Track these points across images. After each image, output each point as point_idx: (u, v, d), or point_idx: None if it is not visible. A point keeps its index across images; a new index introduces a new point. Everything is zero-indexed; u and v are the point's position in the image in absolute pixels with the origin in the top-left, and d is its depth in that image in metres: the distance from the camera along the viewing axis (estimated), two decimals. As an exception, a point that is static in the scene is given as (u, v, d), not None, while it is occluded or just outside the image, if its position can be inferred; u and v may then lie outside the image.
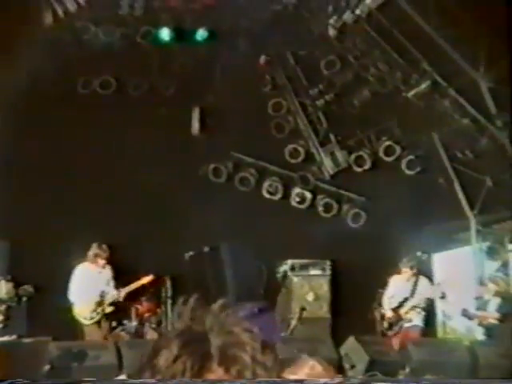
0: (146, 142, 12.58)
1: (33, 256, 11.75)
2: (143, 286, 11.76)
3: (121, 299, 11.55)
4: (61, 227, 12.02)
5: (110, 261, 11.63)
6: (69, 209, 12.31)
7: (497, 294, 11.79)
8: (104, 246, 11.57)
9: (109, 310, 11.53)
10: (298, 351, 10.29)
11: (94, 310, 11.40)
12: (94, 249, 11.55)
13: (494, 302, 11.92)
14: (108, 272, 11.62)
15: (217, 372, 1.56)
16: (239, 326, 1.64)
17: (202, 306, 1.67)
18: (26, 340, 10.04)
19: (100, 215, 12.29)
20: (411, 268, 11.86)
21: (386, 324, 11.73)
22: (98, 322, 11.47)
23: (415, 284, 11.82)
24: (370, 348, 10.50)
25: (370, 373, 10.24)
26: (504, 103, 12.36)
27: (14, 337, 10.21)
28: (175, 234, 12.42)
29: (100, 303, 11.44)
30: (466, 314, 11.77)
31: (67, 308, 11.35)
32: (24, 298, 11.72)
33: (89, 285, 11.41)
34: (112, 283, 11.60)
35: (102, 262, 11.54)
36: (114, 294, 11.51)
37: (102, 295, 11.47)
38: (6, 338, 10.15)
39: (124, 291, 11.54)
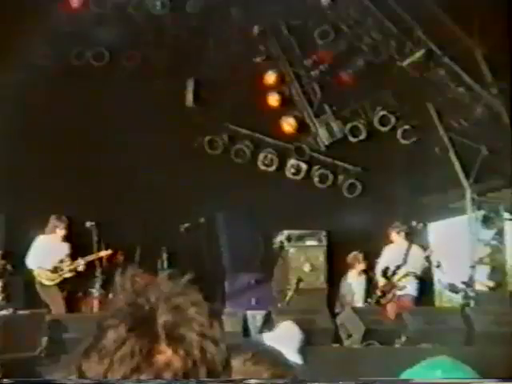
0: (140, 115, 12.53)
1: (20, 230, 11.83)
2: (100, 259, 11.83)
3: (80, 268, 11.67)
4: (49, 202, 12.02)
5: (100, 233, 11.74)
6: (58, 183, 12.28)
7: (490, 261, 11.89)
8: (63, 218, 11.70)
9: (68, 274, 11.63)
10: (295, 321, 10.39)
11: (54, 273, 11.54)
12: (52, 220, 11.68)
13: (486, 271, 12.01)
14: (66, 245, 11.76)
15: (166, 352, 1.50)
16: (185, 299, 1.56)
17: (146, 277, 1.59)
18: (22, 312, 10.08)
19: (95, 188, 12.28)
20: (398, 232, 11.88)
21: (378, 292, 11.79)
22: (60, 286, 11.61)
23: (407, 251, 11.85)
24: (365, 317, 10.54)
25: (366, 342, 10.31)
26: (499, 70, 12.33)
27: (10, 310, 10.25)
28: (171, 206, 12.42)
29: (58, 268, 11.57)
30: (452, 288, 11.84)
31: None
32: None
33: (46, 253, 11.56)
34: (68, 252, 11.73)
35: (60, 232, 11.69)
36: (73, 262, 11.66)
37: (61, 262, 11.62)
38: (4, 312, 10.19)
39: (83, 260, 11.64)
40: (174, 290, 1.57)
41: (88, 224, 11.93)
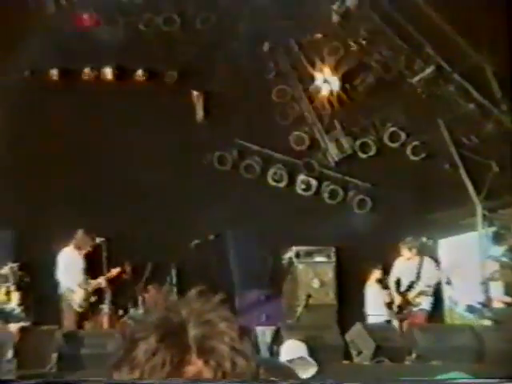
0: (151, 130, 12.57)
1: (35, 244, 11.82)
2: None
3: (102, 286, 11.67)
4: (63, 216, 12.04)
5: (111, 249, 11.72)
6: (71, 198, 12.31)
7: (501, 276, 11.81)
8: (91, 234, 11.67)
9: (93, 299, 11.67)
10: (305, 338, 10.36)
11: (86, 300, 11.54)
12: (80, 235, 11.65)
13: (498, 288, 11.94)
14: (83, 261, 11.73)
15: (196, 364, 1.54)
16: (216, 315, 1.61)
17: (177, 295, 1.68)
18: (33, 327, 10.09)
19: (104, 204, 12.31)
20: (409, 248, 11.84)
21: (395, 308, 11.75)
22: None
23: (420, 267, 11.82)
24: (376, 334, 10.50)
25: (377, 359, 10.26)
26: (509, 87, 12.32)
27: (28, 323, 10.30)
28: (181, 222, 12.42)
29: (88, 291, 11.58)
30: (471, 309, 11.78)
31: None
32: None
33: (74, 269, 11.56)
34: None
35: (86, 250, 11.69)
36: (98, 280, 11.63)
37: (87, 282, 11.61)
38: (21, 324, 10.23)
39: (103, 279, 11.64)
40: (205, 306, 1.62)
41: (98, 240, 11.95)
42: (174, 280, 12.26)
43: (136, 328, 1.61)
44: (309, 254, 12.98)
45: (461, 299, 12.53)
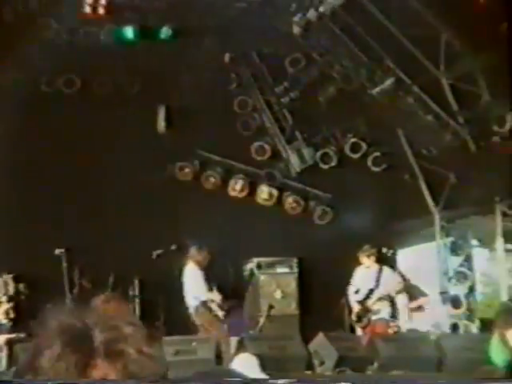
0: (112, 142, 12.50)
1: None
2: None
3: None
4: (24, 229, 11.91)
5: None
6: (32, 211, 12.18)
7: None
8: (204, 248, 11.74)
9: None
10: (268, 348, 10.39)
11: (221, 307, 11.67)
12: (193, 251, 11.74)
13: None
14: None
15: (102, 367, 1.57)
16: (122, 320, 1.65)
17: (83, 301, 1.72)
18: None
19: (66, 215, 12.20)
20: (368, 256, 11.95)
21: (354, 317, 11.84)
22: None
23: (379, 275, 11.93)
24: (338, 344, 10.57)
25: (339, 369, 10.33)
26: (464, 100, 12.55)
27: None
28: (143, 233, 12.37)
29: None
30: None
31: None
32: (22, 297, 11.68)
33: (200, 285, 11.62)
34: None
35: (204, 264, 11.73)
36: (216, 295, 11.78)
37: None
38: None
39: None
40: (111, 312, 1.71)
41: (57, 251, 11.84)
42: (137, 291, 12.21)
43: (41, 336, 1.62)
44: (271, 265, 13.03)
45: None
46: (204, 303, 11.58)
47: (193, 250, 11.77)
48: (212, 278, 12.67)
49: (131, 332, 1.62)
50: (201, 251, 11.74)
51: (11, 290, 11.66)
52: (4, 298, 11.36)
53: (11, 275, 11.82)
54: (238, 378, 2.27)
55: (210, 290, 11.65)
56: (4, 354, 9.59)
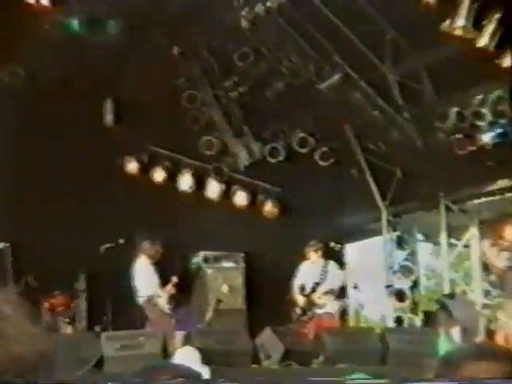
0: (59, 135, 12.37)
1: None
2: None
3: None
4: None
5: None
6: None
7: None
8: (157, 242, 11.72)
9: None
10: (215, 343, 10.42)
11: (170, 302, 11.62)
12: (146, 245, 11.67)
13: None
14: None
15: None
16: (2, 301, 1.63)
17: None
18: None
19: (12, 209, 12.04)
20: (315, 251, 12.04)
21: (298, 310, 11.91)
22: None
23: (325, 269, 12.02)
24: (285, 338, 10.65)
25: (285, 362, 10.41)
26: (410, 96, 12.72)
27: None
28: (91, 227, 12.28)
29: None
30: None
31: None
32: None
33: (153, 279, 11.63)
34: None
35: (156, 258, 11.73)
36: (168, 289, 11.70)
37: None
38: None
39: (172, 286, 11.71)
40: None
41: (2, 245, 11.71)
42: (83, 285, 12.12)
43: None
44: (217, 260, 13.06)
45: (366, 302, 12.87)
46: (152, 298, 11.56)
47: (145, 244, 11.74)
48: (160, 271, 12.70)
49: (10, 311, 1.60)
50: (154, 245, 11.72)
51: None
52: None
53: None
54: (185, 371, 2.27)
55: (164, 284, 11.64)
56: None
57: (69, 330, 11.76)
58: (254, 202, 13.67)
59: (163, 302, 11.59)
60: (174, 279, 11.79)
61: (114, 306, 12.15)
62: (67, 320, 11.89)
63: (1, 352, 1.55)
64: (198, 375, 2.25)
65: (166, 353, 10.22)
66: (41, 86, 12.68)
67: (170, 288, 11.66)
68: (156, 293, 11.57)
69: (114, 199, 12.61)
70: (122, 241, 12.34)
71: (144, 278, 11.61)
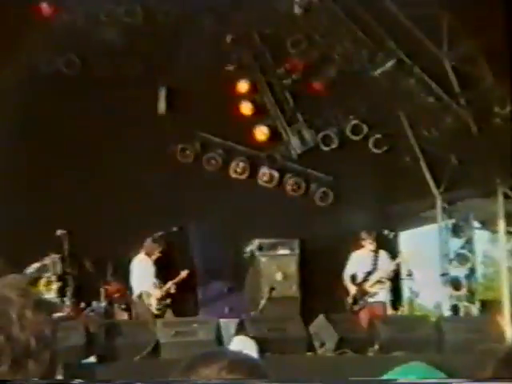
0: (112, 123, 12.45)
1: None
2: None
3: (172, 291, 11.79)
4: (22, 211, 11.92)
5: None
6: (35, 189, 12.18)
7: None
8: (159, 240, 11.92)
9: (169, 300, 11.80)
10: (268, 330, 10.43)
11: (160, 303, 11.66)
12: (148, 242, 11.83)
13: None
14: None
15: None
16: (7, 285, 1.75)
17: None
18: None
19: (67, 197, 12.18)
20: (370, 240, 11.94)
21: (350, 299, 11.86)
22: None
23: (376, 258, 11.94)
24: (339, 326, 10.61)
25: (340, 350, 10.37)
26: (467, 81, 12.51)
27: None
28: (144, 214, 12.35)
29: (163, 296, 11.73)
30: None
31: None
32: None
33: (147, 276, 11.74)
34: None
35: (156, 255, 11.87)
36: (167, 286, 11.76)
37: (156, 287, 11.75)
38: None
39: (172, 283, 11.79)
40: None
41: (59, 232, 11.85)
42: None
43: None
44: (272, 247, 13.03)
45: (421, 290, 12.71)
46: (141, 295, 11.67)
47: (148, 241, 11.86)
48: (213, 259, 12.75)
49: (16, 297, 1.71)
50: (155, 243, 11.87)
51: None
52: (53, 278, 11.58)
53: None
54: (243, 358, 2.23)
55: (161, 284, 11.73)
56: None
57: (125, 316, 11.87)
58: (306, 190, 13.58)
59: (153, 301, 11.65)
60: (182, 274, 11.88)
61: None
62: (123, 306, 12.00)
63: (1, 332, 1.67)
64: (255, 362, 2.19)
65: (220, 340, 10.27)
66: (95, 74, 12.79)
67: (169, 286, 11.74)
68: (147, 291, 11.62)
69: (166, 187, 12.65)
70: (174, 229, 12.43)
71: (139, 274, 11.72)
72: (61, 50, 12.84)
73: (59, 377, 1.86)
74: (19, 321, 1.70)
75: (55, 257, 11.77)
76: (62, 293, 11.48)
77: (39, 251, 11.55)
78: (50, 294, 11.29)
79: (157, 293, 11.65)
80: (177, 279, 11.86)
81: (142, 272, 11.76)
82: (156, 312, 11.64)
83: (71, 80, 12.74)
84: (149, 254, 11.87)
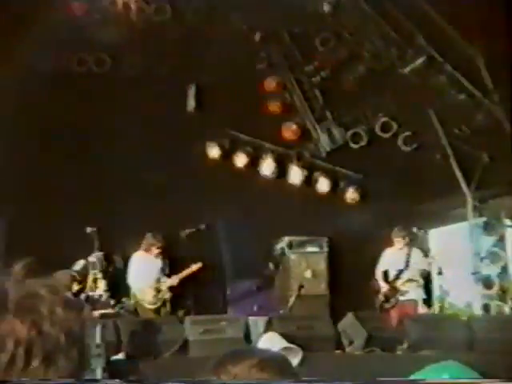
0: (141, 121, 12.52)
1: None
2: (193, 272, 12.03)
3: (175, 284, 11.84)
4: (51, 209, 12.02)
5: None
6: (61, 189, 12.28)
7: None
8: (158, 236, 11.86)
9: (168, 295, 11.83)
10: (296, 328, 10.40)
11: (155, 296, 11.67)
12: (148, 238, 11.83)
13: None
14: (160, 261, 11.94)
15: (12, 323, 1.68)
16: (38, 281, 1.77)
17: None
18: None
19: (95, 194, 12.26)
20: (403, 237, 11.86)
21: (381, 297, 11.80)
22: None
23: (408, 256, 11.86)
24: (367, 324, 10.54)
25: (368, 348, 10.31)
26: (500, 78, 12.36)
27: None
28: (171, 212, 12.40)
29: (159, 290, 11.75)
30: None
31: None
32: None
33: (145, 272, 11.74)
34: (166, 271, 11.96)
35: (155, 251, 11.83)
36: (170, 280, 11.83)
37: (158, 282, 11.79)
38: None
39: (177, 278, 11.83)
40: (28, 275, 1.84)
41: (89, 229, 11.95)
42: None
43: None
44: (301, 244, 13.01)
45: (452, 289, 12.60)
46: (137, 292, 11.75)
47: (147, 237, 11.86)
48: (243, 257, 12.75)
49: (45, 293, 1.74)
50: (154, 239, 11.83)
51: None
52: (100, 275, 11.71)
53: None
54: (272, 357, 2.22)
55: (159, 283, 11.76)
56: None
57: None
58: (335, 188, 13.53)
59: (149, 298, 11.67)
60: (193, 267, 11.87)
61: (196, 290, 12.27)
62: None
63: (32, 326, 1.69)
64: (285, 360, 2.18)
65: (248, 338, 10.27)
66: (124, 72, 12.87)
67: (173, 280, 11.79)
68: (142, 288, 11.63)
69: (195, 184, 12.68)
70: (202, 226, 12.45)
71: (136, 270, 11.71)
72: (91, 49, 12.96)
73: (98, 373, 1.88)
74: (50, 317, 1.72)
75: (99, 254, 11.90)
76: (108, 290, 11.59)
77: (70, 250, 11.64)
78: (99, 291, 11.41)
79: (167, 283, 11.73)
80: (185, 272, 11.88)
81: (138, 268, 11.73)
82: (150, 307, 11.67)
83: (101, 78, 12.83)
84: (147, 251, 11.85)
